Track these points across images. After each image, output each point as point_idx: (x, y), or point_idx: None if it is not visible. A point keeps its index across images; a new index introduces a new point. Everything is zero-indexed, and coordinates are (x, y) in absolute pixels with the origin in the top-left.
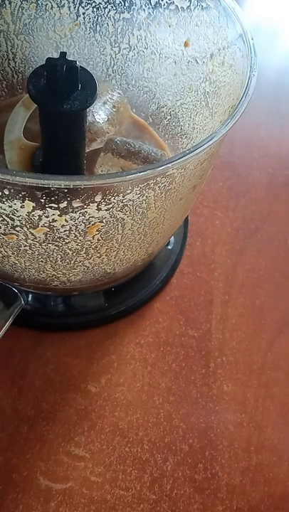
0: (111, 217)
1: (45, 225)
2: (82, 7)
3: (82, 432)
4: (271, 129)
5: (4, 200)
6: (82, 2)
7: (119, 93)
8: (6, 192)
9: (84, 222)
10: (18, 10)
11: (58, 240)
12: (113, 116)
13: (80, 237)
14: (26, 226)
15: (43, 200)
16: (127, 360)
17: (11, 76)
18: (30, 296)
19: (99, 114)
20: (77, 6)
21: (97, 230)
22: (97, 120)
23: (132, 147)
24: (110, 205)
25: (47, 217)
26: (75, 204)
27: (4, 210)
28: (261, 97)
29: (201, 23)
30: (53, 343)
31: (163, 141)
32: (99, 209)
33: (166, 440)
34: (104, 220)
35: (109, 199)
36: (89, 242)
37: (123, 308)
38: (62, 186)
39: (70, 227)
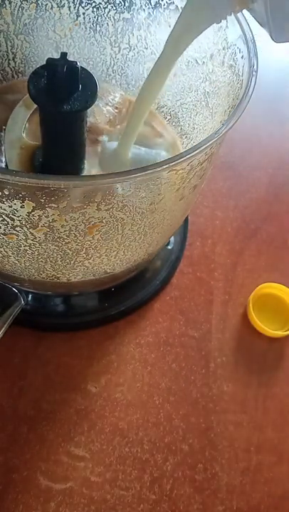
0: (111, 217)
1: (45, 225)
2: (82, 7)
3: (82, 432)
4: (271, 129)
5: (4, 200)
6: (82, 2)
7: (121, 94)
8: (6, 192)
9: (84, 222)
10: (18, 10)
11: (57, 240)
12: (114, 117)
13: (80, 237)
14: (26, 226)
15: (43, 200)
16: (127, 360)
17: (11, 76)
18: (30, 296)
19: (100, 115)
20: (77, 6)
21: (97, 230)
22: (98, 121)
23: None
24: (110, 205)
25: (47, 217)
26: (75, 204)
27: (4, 210)
28: (261, 97)
29: None
30: (53, 343)
31: (174, 133)
32: (99, 209)
33: (166, 440)
34: (104, 220)
35: (109, 199)
36: (89, 242)
37: (123, 308)
38: (62, 186)
39: (70, 227)
